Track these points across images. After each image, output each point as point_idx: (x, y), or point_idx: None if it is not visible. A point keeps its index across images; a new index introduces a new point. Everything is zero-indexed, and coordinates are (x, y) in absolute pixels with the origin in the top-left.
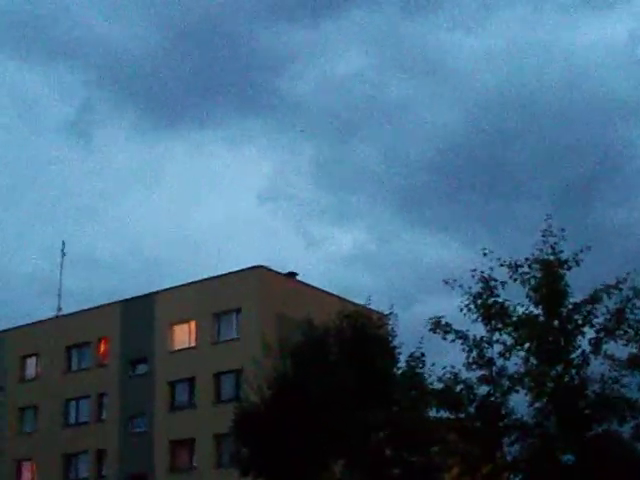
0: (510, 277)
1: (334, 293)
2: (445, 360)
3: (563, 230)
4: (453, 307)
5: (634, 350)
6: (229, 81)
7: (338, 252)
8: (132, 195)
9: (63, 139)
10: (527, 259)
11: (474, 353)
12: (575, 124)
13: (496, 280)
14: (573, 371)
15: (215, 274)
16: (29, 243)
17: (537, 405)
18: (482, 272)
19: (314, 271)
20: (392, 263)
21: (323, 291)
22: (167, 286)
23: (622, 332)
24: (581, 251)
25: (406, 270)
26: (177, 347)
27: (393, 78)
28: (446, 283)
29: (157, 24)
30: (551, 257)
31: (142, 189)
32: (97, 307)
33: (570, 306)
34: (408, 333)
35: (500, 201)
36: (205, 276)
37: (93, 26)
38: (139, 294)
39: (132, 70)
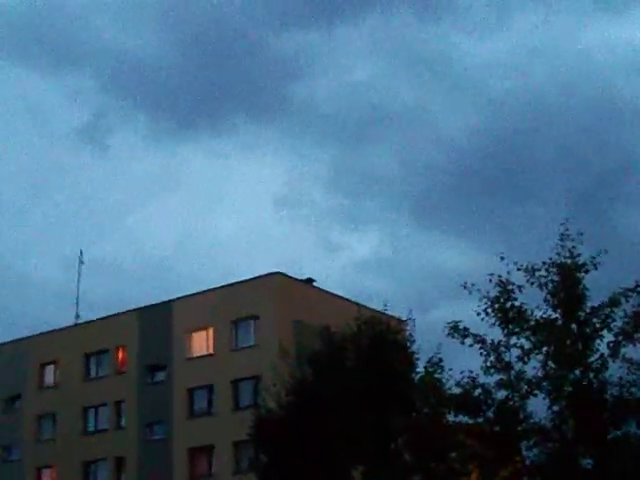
0: (527, 281)
1: (351, 299)
2: (462, 364)
3: (581, 234)
4: (469, 311)
5: None
6: (243, 87)
7: (354, 258)
8: (149, 202)
9: (77, 146)
10: (544, 263)
11: (492, 357)
12: (591, 126)
13: (513, 284)
14: (591, 375)
15: (232, 281)
16: (46, 250)
17: (555, 409)
18: (499, 276)
19: (330, 277)
20: (408, 268)
21: (340, 297)
22: (184, 293)
23: None
24: (599, 254)
25: (422, 275)
26: (195, 354)
27: (407, 83)
28: (464, 287)
29: (170, 31)
30: (569, 261)
31: (159, 196)
32: (115, 315)
33: (588, 310)
34: (424, 338)
35: (516, 204)
36: (222, 283)
37: (106, 33)
38: (157, 302)
39: (145, 77)
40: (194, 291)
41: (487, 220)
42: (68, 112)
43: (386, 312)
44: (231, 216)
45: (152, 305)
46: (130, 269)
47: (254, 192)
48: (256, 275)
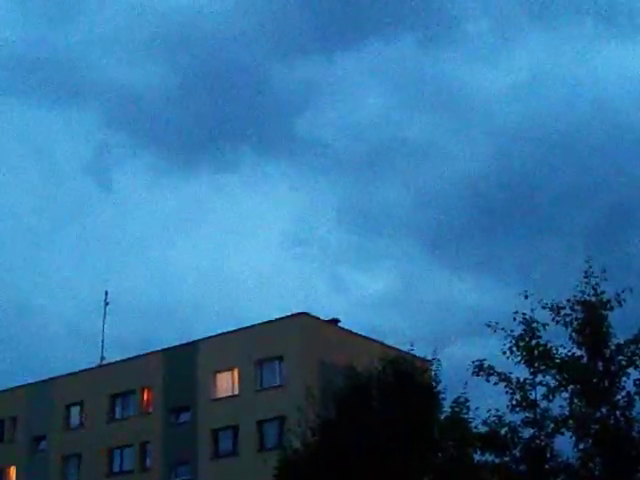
0: (553, 319)
1: (376, 339)
2: (485, 401)
3: (604, 271)
4: (487, 348)
5: None
6: (248, 123)
7: (366, 295)
8: (159, 242)
9: (82, 183)
10: (569, 301)
11: (517, 395)
12: (605, 155)
13: (538, 322)
14: (618, 412)
15: (256, 322)
16: (64, 290)
17: (582, 447)
18: (524, 314)
19: (343, 314)
20: (423, 305)
21: (365, 337)
22: (204, 334)
23: None
24: (624, 291)
25: (436, 311)
26: (220, 395)
27: (415, 115)
28: (488, 326)
29: (173, 67)
30: (593, 298)
31: (168, 236)
32: (140, 356)
33: (614, 347)
34: (443, 376)
35: (531, 237)
36: (238, 323)
37: (109, 69)
38: (180, 342)
39: (148, 113)
40: (218, 332)
41: (502, 253)
42: (72, 148)
43: (411, 352)
44: (242, 255)
45: (177, 346)
46: (147, 308)
47: (264, 231)
48: (281, 316)
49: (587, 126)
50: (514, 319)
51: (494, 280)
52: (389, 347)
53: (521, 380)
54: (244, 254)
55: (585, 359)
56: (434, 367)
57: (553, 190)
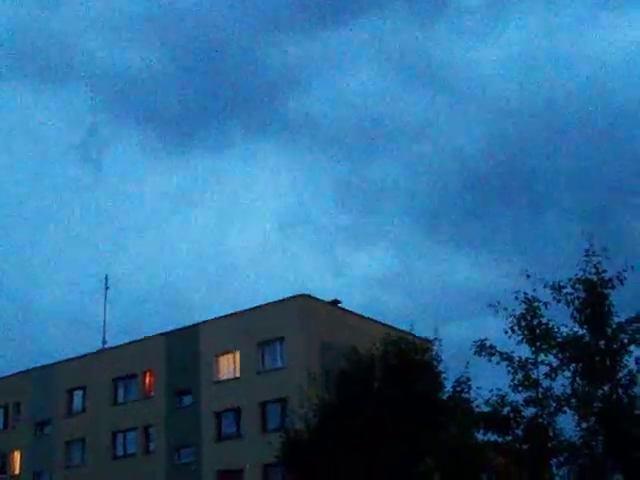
0: (554, 298)
1: (377, 319)
2: (484, 381)
3: (605, 250)
4: (487, 326)
5: None
6: (240, 102)
7: (365, 275)
8: (154, 223)
9: (74, 164)
10: (570, 279)
11: (519, 375)
12: (602, 131)
13: (539, 301)
14: (620, 391)
15: (256, 304)
16: (67, 276)
17: (584, 425)
18: (525, 293)
19: (342, 295)
20: (422, 284)
21: (366, 318)
22: (205, 316)
23: None
24: (624, 270)
25: (436, 291)
26: (222, 377)
27: (410, 91)
28: (490, 306)
29: (163, 47)
30: (595, 277)
31: (162, 218)
32: (142, 339)
33: (615, 325)
34: (444, 355)
35: (529, 215)
36: (240, 305)
37: (99, 50)
38: (182, 325)
39: (139, 93)
40: (219, 314)
41: (501, 231)
42: (63, 130)
43: (411, 331)
44: (238, 236)
45: (179, 329)
46: (147, 291)
47: (259, 211)
48: (281, 297)
49: (583, 101)
50: (515, 298)
51: (493, 258)
52: (390, 327)
53: (523, 359)
54: (240, 235)
55: (587, 338)
56: (435, 347)
57: (551, 167)
